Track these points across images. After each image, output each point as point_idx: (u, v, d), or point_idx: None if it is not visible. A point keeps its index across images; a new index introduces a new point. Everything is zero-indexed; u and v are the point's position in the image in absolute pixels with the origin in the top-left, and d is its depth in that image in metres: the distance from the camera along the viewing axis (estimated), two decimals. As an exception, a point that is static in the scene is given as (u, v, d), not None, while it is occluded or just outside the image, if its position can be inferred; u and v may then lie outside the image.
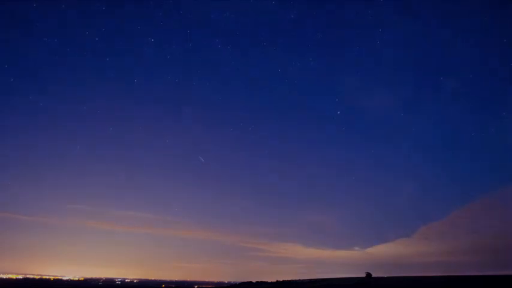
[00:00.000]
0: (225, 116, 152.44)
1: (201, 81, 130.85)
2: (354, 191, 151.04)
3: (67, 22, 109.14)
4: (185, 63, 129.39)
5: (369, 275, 47.15)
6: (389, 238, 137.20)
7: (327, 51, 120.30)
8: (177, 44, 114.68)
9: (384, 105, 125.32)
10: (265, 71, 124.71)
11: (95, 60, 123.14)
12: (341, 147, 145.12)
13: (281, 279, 62.45)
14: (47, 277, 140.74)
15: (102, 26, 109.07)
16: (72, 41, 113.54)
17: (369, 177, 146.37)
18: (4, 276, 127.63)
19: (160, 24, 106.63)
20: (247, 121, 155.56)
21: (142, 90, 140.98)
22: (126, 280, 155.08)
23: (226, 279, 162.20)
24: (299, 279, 62.92)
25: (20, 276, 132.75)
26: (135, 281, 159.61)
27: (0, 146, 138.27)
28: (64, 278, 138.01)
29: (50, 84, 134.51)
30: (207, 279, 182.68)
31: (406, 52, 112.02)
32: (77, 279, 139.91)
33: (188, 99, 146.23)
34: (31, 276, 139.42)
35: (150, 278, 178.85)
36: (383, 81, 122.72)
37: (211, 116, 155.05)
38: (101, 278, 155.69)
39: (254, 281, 61.65)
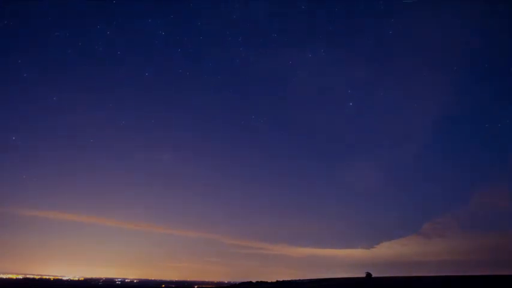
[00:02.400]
0: (235, 109, 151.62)
1: (212, 74, 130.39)
2: (357, 186, 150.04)
3: (78, 15, 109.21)
4: (196, 56, 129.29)
5: (369, 275, 47.18)
6: (390, 237, 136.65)
7: (338, 42, 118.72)
8: (188, 37, 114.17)
9: (396, 97, 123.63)
10: (276, 63, 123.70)
11: (106, 54, 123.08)
12: (352, 139, 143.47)
13: (281, 279, 62.51)
14: (47, 277, 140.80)
15: (113, 19, 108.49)
16: (84, 35, 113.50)
17: (376, 171, 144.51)
18: (4, 276, 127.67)
19: (171, 17, 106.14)
20: (257, 114, 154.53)
21: (153, 84, 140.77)
22: (126, 280, 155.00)
23: (226, 279, 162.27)
24: (299, 279, 62.95)
25: (20, 276, 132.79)
26: (135, 281, 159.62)
27: (8, 139, 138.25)
28: (64, 278, 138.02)
29: (62, 78, 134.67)
30: (207, 279, 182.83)
31: (418, 42, 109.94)
32: (77, 279, 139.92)
33: (199, 92, 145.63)
34: (31, 276, 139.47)
35: (150, 278, 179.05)
36: (395, 72, 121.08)
37: (222, 109, 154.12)
38: (101, 278, 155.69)
39: (254, 281, 61.69)
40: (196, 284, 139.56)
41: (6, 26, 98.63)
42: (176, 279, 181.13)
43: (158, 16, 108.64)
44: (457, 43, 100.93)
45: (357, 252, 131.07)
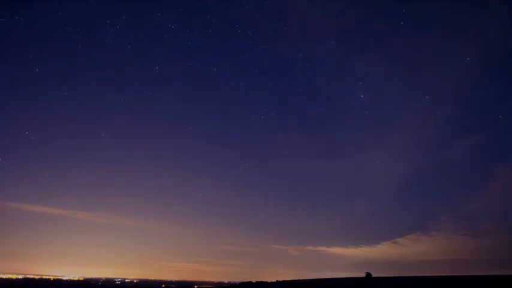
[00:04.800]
0: (246, 103, 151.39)
1: (222, 67, 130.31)
2: (364, 181, 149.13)
3: (88, 11, 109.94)
4: (206, 50, 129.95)
5: (368, 275, 46.94)
6: (390, 236, 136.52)
7: (348, 34, 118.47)
8: (197, 31, 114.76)
9: (408, 88, 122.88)
10: (286, 56, 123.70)
11: (116, 48, 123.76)
12: (363, 132, 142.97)
13: (281, 279, 62.44)
14: (47, 277, 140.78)
15: (122, 13, 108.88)
16: (94, 30, 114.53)
17: (387, 166, 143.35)
18: (4, 276, 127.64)
19: (180, 10, 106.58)
20: (267, 108, 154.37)
21: (164, 77, 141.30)
22: (126, 280, 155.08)
23: (226, 279, 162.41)
24: (299, 279, 62.85)
25: (20, 276, 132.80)
26: (135, 281, 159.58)
27: (20, 134, 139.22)
28: (64, 278, 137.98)
29: (73, 74, 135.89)
30: (207, 279, 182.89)
31: (430, 33, 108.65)
32: (76, 279, 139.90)
33: (209, 86, 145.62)
34: (31, 276, 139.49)
35: (150, 278, 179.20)
36: (407, 63, 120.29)
37: (232, 102, 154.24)
38: (101, 278, 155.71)
39: (254, 281, 61.57)
40: (196, 284, 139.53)
41: (18, 22, 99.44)
42: (176, 279, 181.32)
43: (167, 10, 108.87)
44: (471, 33, 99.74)
45: (357, 252, 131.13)
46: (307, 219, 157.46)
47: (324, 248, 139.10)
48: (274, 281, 60.46)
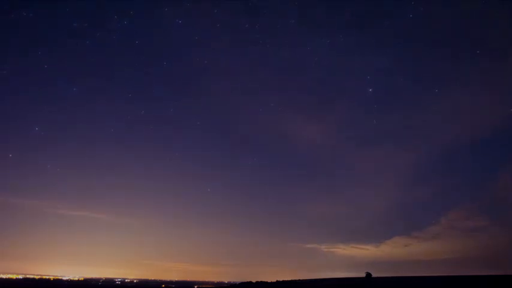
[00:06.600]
0: (254, 97, 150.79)
1: (230, 62, 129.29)
2: (364, 181, 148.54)
3: (95, 6, 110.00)
4: (213, 45, 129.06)
5: (368, 275, 46.99)
6: (391, 236, 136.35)
7: (357, 27, 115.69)
8: (204, 25, 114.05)
9: (418, 82, 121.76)
10: (294, 50, 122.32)
11: (124, 44, 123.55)
12: (371, 128, 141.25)
13: (281, 279, 62.42)
14: (47, 277, 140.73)
15: (129, 9, 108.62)
16: (101, 25, 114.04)
17: (389, 165, 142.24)
18: (4, 276, 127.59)
19: (187, 5, 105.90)
20: (276, 101, 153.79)
21: (171, 73, 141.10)
22: (126, 280, 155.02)
23: (226, 279, 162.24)
24: (299, 279, 62.82)
25: (20, 276, 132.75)
26: (135, 281, 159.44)
27: (29, 131, 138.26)
28: (64, 278, 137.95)
29: (81, 69, 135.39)
30: (207, 279, 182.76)
31: (439, 26, 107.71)
32: (76, 279, 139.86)
33: (217, 81, 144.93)
34: (31, 276, 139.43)
35: (150, 278, 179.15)
36: (416, 57, 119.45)
37: (240, 96, 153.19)
38: (101, 278, 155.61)
39: (254, 281, 61.55)
40: (196, 284, 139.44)
41: (26, 18, 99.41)
42: (176, 279, 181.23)
43: (174, 4, 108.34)
44: (481, 25, 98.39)
45: (357, 252, 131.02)
46: (307, 219, 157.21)
47: (324, 248, 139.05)
48: (274, 281, 60.42)
